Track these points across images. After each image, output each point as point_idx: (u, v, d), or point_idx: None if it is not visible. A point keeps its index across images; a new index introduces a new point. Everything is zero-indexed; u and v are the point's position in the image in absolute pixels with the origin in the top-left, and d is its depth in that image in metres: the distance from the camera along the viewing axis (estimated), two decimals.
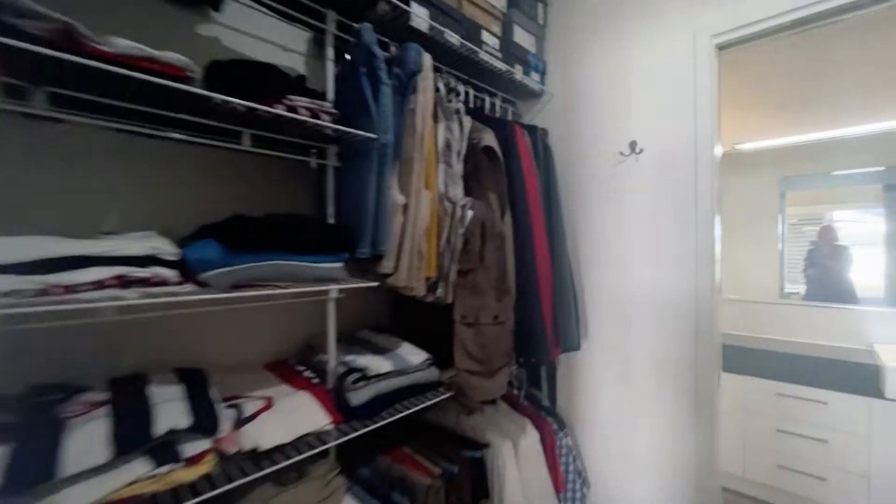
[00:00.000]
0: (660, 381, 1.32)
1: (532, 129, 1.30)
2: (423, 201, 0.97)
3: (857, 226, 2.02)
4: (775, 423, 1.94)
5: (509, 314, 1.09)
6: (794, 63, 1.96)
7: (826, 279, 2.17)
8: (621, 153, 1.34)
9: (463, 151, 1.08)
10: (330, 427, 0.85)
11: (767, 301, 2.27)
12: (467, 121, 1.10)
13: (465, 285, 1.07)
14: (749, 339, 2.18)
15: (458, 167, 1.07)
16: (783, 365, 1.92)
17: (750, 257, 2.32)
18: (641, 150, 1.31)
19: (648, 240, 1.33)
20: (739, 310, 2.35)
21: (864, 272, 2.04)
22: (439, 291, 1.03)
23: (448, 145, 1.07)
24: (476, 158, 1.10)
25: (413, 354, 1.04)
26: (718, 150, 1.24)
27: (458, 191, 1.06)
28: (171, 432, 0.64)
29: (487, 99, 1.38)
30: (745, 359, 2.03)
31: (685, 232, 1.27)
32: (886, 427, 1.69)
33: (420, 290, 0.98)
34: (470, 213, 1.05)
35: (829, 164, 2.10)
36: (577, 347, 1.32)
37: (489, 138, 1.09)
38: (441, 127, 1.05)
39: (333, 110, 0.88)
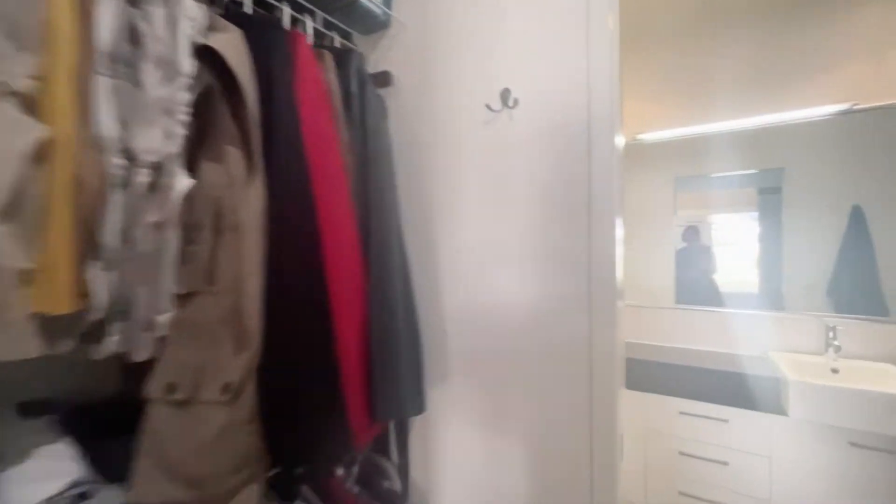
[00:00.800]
0: (545, 413, 0.96)
1: (343, 55, 0.81)
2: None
3: (735, 228, 1.92)
4: (677, 445, 1.72)
5: (251, 382, 0.58)
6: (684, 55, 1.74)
7: (695, 281, 2.02)
8: (489, 107, 0.92)
9: (183, 66, 0.56)
10: None
11: (663, 306, 2.08)
12: (191, 5, 0.57)
13: (180, 324, 0.55)
14: (650, 350, 1.96)
15: (161, 92, 0.54)
16: (685, 379, 1.71)
17: (645, 260, 2.12)
18: (516, 103, 0.90)
19: (526, 232, 0.94)
20: (634, 317, 2.14)
21: (742, 275, 1.91)
22: (109, 341, 0.50)
23: (132, 40, 0.53)
24: (205, 83, 0.59)
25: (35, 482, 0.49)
26: (618, 113, 0.88)
27: (151, 136, 0.53)
28: None
29: (309, 23, 0.87)
30: (643, 373, 1.79)
31: (576, 220, 0.89)
32: (788, 447, 1.52)
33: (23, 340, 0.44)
34: (184, 184, 0.53)
35: (710, 166, 1.95)
36: (419, 410, 0.88)
37: (226, 43, 0.58)
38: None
39: None
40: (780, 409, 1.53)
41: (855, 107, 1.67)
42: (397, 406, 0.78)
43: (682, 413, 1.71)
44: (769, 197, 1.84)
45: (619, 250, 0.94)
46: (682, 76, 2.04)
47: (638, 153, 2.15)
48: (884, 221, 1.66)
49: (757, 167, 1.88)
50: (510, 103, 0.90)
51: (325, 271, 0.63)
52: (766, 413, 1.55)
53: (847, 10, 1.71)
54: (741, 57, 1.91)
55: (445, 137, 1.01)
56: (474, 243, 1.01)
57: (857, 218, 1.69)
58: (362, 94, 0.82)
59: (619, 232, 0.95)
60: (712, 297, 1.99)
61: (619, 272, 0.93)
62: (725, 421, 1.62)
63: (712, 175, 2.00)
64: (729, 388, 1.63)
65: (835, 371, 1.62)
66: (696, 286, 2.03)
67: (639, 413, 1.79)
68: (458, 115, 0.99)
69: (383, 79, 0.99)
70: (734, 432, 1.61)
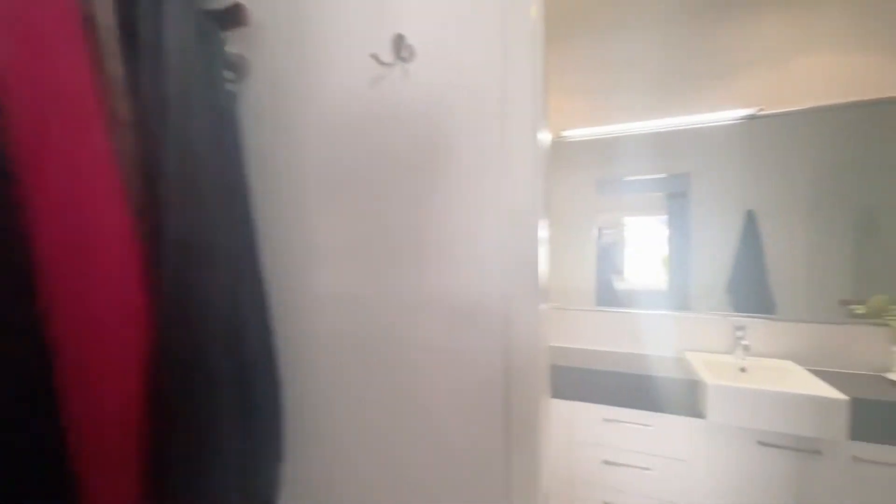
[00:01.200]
0: (456, 436, 0.80)
1: None
2: None
3: (649, 231, 1.94)
4: (602, 454, 1.67)
5: None
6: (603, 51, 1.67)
7: (614, 284, 2.03)
8: (377, 59, 0.71)
9: None
10: None
11: (585, 308, 2.04)
12: None
13: None
14: (573, 355, 1.90)
15: None
16: (608, 384, 1.66)
17: (566, 261, 2.07)
18: (412, 54, 0.70)
19: (426, 222, 0.76)
20: (556, 320, 2.08)
21: (657, 277, 1.93)
22: None
23: None
24: None
25: None
26: (541, 86, 0.72)
27: None
28: None
29: None
30: (567, 380, 1.71)
31: (485, 216, 0.73)
32: (704, 450, 1.53)
33: None
34: None
35: (626, 169, 1.95)
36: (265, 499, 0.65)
37: None
38: None
39: None
40: (697, 412, 1.53)
41: (760, 112, 1.72)
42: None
43: (606, 420, 1.66)
44: (677, 201, 1.87)
45: (543, 251, 0.80)
46: (601, 73, 2.00)
47: (560, 152, 2.08)
48: (773, 225, 1.73)
49: (666, 172, 1.90)
50: (404, 54, 0.70)
51: (36, 302, 0.36)
52: (685, 417, 1.55)
53: (755, 18, 1.76)
54: (654, 59, 1.91)
55: (315, 104, 0.78)
56: (353, 236, 0.81)
57: (751, 221, 1.75)
58: (158, 21, 0.53)
59: (543, 232, 0.80)
60: (630, 299, 1.99)
61: (543, 274, 0.79)
62: (649, 426, 1.60)
63: (628, 178, 1.99)
64: (651, 392, 1.60)
65: (743, 370, 1.66)
66: (615, 288, 2.02)
67: (564, 423, 1.72)
68: (334, 71, 0.76)
69: (233, 15, 0.72)
70: (657, 437, 1.59)
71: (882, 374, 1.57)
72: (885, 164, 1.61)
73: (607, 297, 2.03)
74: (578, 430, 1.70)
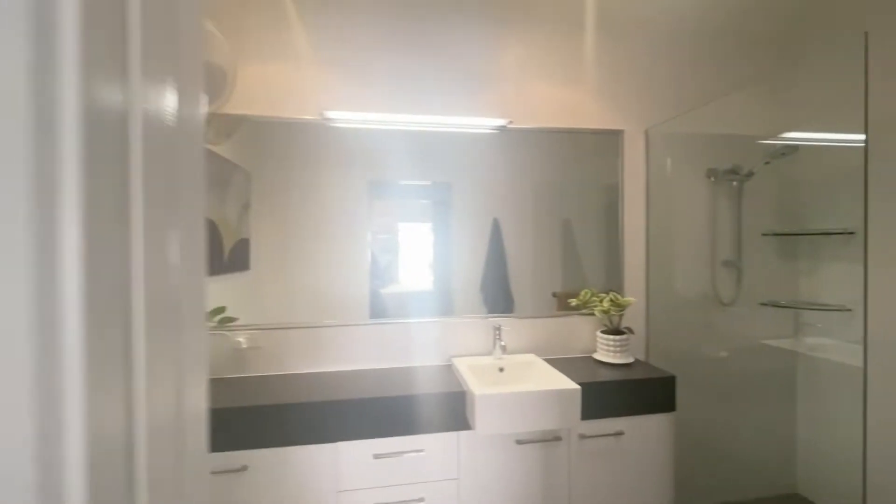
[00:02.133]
0: None
1: None
2: None
3: (416, 238, 1.86)
4: (373, 498, 1.42)
5: None
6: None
7: (388, 294, 1.88)
8: None
9: None
10: None
11: (358, 323, 1.78)
12: None
13: None
14: (345, 382, 1.58)
15: None
16: (379, 411, 1.42)
17: (338, 272, 1.77)
18: None
19: None
20: (328, 339, 1.75)
21: (426, 284, 1.87)
22: None
23: None
24: None
25: None
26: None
27: None
28: None
29: None
30: (335, 415, 1.39)
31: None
32: (476, 462, 1.47)
33: None
34: None
35: (397, 172, 1.81)
36: None
37: None
38: None
39: None
40: (466, 424, 1.46)
41: (510, 124, 1.84)
42: None
43: (376, 457, 1.41)
44: (441, 209, 1.84)
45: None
46: (361, 54, 1.77)
47: (328, 139, 1.74)
48: (511, 232, 1.91)
49: (431, 180, 1.85)
50: None
51: None
52: (455, 432, 1.46)
53: (498, 36, 1.88)
54: (405, 53, 1.81)
55: None
56: None
57: (496, 229, 1.88)
58: None
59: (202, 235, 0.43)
60: (403, 308, 1.84)
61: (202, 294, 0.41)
62: (421, 451, 1.44)
63: (402, 182, 1.84)
64: (423, 411, 1.45)
65: (501, 370, 1.73)
66: (388, 298, 1.83)
67: (326, 472, 1.38)
68: None
69: None
70: (430, 461, 1.44)
71: (590, 355, 1.92)
72: (577, 182, 1.96)
73: (381, 308, 1.81)
74: (345, 476, 1.39)
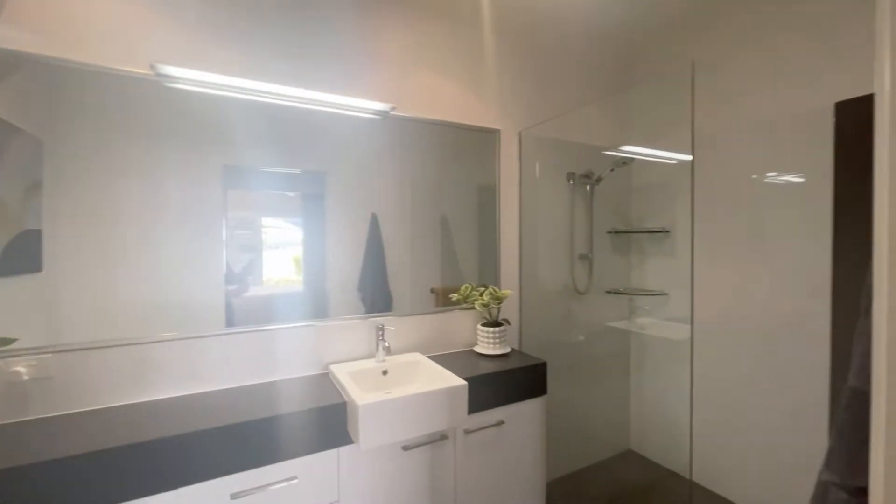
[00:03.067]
0: None
1: None
2: None
3: (283, 234, 1.62)
4: None
5: None
6: None
7: (251, 298, 1.58)
8: None
9: None
10: None
11: (210, 334, 1.45)
12: None
13: None
14: (195, 408, 1.26)
15: None
16: (237, 440, 1.17)
17: (184, 274, 1.41)
18: None
19: None
20: (176, 353, 1.38)
21: (297, 285, 1.65)
22: None
23: None
24: None
25: None
26: None
27: None
28: None
29: None
30: (170, 458, 1.09)
31: None
32: (358, 478, 1.33)
33: None
34: None
35: (258, 158, 1.55)
36: None
37: None
38: None
39: None
40: (347, 438, 1.31)
41: (393, 110, 1.74)
42: None
43: (234, 496, 1.16)
44: (314, 202, 1.64)
45: None
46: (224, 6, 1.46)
47: (166, 109, 1.36)
48: (390, 228, 1.81)
49: (302, 168, 1.62)
50: None
51: None
52: (335, 449, 1.30)
53: (383, 16, 1.76)
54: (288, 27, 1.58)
55: None
56: None
57: (375, 224, 1.77)
58: None
59: None
60: (270, 313, 1.57)
61: None
62: (293, 479, 1.23)
63: (265, 169, 1.56)
64: (295, 431, 1.25)
65: (385, 373, 1.61)
66: (250, 303, 1.54)
67: None
68: None
69: None
70: (303, 489, 1.25)
71: (471, 349, 1.95)
72: (455, 179, 1.98)
73: (241, 314, 1.51)
74: None
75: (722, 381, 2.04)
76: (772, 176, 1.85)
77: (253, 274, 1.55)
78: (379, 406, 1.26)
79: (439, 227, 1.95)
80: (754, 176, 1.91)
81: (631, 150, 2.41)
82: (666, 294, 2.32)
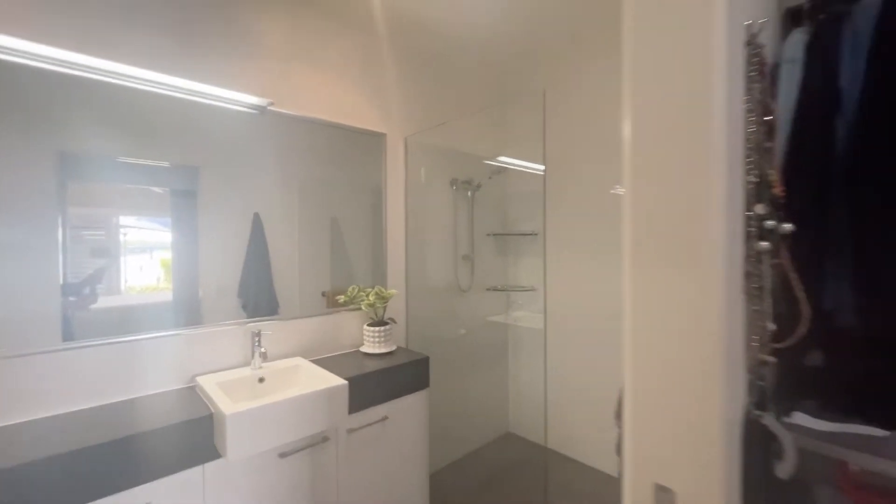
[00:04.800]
0: None
1: None
2: None
3: (148, 235, 1.45)
4: None
5: None
6: None
7: (84, 307, 1.36)
8: None
9: None
10: None
11: (40, 350, 1.22)
12: None
13: None
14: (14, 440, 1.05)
15: None
16: (66, 473, 1.01)
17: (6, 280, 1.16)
18: None
19: None
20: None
21: (160, 291, 1.48)
22: None
23: None
24: None
25: None
26: None
27: None
28: None
29: None
30: None
31: None
32: (221, 494, 1.25)
33: None
34: None
35: (114, 146, 1.36)
36: None
37: None
38: None
39: None
40: (213, 454, 1.23)
41: (271, 106, 1.66)
42: None
43: None
44: (185, 199, 1.50)
45: None
46: None
47: None
48: (275, 228, 1.75)
49: (171, 160, 1.47)
50: None
51: None
52: (198, 466, 1.21)
53: (262, 11, 1.68)
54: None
55: None
56: None
57: (258, 224, 1.70)
58: None
59: None
60: (124, 322, 1.38)
61: None
62: None
63: (121, 160, 1.37)
64: (149, 453, 1.13)
65: (262, 380, 1.54)
66: (100, 314, 1.33)
67: None
68: None
69: None
70: None
71: (358, 349, 1.96)
72: (346, 181, 2.00)
73: (90, 327, 1.30)
74: None
75: (574, 362, 2.40)
76: (616, 189, 2.23)
77: (106, 281, 1.34)
78: (248, 414, 1.21)
79: (330, 229, 1.92)
80: (602, 187, 2.28)
81: (505, 160, 2.68)
82: (535, 289, 2.63)
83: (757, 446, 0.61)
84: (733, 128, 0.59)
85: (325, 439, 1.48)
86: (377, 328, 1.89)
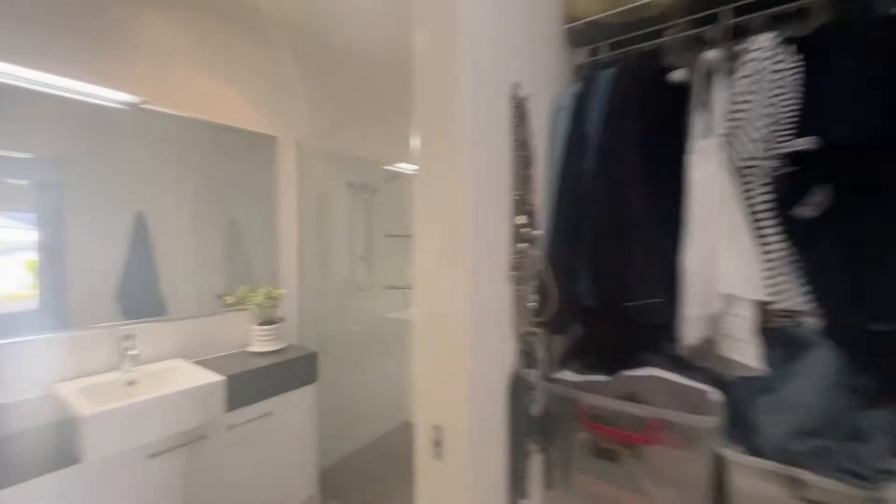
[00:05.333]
0: None
1: None
2: None
3: (9, 234, 1.35)
4: None
5: None
6: None
7: None
8: None
9: None
10: None
11: None
12: None
13: None
14: None
15: None
16: None
17: None
18: None
19: None
20: None
21: (19, 293, 1.41)
22: None
23: None
24: None
25: None
26: None
27: None
28: None
29: None
30: None
31: None
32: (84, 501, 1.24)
33: None
34: None
35: None
36: None
37: None
38: None
39: None
40: (71, 459, 1.21)
41: (144, 104, 1.64)
42: None
43: None
44: (50, 193, 1.43)
45: None
46: None
47: None
48: (163, 228, 1.73)
49: (34, 152, 1.39)
50: None
51: None
52: (50, 474, 1.18)
53: (139, 5, 1.64)
54: None
55: None
56: None
57: (141, 223, 1.67)
58: None
59: None
60: None
61: None
62: None
63: None
64: None
65: (132, 383, 1.52)
66: None
67: None
68: None
69: None
70: None
71: (245, 349, 1.99)
72: (240, 182, 2.02)
73: None
74: None
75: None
76: None
77: None
78: (106, 415, 1.21)
79: (228, 230, 1.92)
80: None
81: (405, 166, 2.85)
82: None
83: (520, 392, 0.84)
84: (497, 161, 0.81)
85: (202, 437, 1.50)
86: (266, 327, 1.94)
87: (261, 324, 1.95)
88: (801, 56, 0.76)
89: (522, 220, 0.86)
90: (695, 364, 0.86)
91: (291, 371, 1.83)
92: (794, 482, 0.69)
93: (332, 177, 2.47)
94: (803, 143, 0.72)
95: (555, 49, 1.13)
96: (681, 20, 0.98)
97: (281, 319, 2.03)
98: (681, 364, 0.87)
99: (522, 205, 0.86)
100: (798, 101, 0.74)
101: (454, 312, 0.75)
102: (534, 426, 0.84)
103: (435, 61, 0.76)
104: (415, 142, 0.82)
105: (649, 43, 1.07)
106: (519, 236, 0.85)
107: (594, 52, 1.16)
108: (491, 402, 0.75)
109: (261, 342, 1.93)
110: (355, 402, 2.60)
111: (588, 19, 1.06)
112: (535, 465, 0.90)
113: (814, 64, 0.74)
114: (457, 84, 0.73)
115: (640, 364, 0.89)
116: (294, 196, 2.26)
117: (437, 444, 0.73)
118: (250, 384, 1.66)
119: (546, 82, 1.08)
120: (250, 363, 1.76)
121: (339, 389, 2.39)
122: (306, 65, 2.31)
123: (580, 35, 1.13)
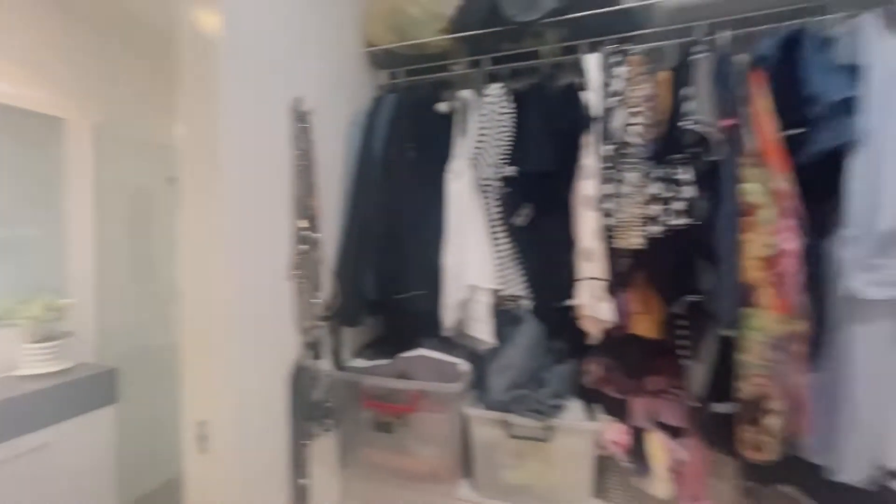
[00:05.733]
0: None
1: None
2: None
3: None
4: None
5: None
6: None
7: None
8: None
9: None
10: None
11: None
12: None
13: None
14: None
15: None
16: None
17: None
18: None
19: None
20: None
21: None
22: None
23: None
24: None
25: None
26: None
27: None
28: None
29: None
30: None
31: None
32: None
33: None
34: None
35: None
36: None
37: None
38: None
39: None
40: None
41: None
42: None
43: None
44: None
45: None
46: None
47: None
48: None
49: None
50: None
51: None
52: None
53: None
54: None
55: None
56: None
57: None
58: None
59: None
60: None
61: None
62: None
63: None
64: None
65: None
66: None
67: None
68: None
69: None
70: None
71: (11, 374, 1.64)
72: (10, 171, 1.67)
73: None
74: None
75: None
76: None
77: None
78: None
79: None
80: None
81: None
82: None
83: (303, 381, 0.92)
84: (275, 168, 0.88)
85: None
86: (43, 345, 1.63)
87: (35, 342, 1.63)
88: (516, 105, 1.04)
89: (304, 223, 0.94)
90: (458, 343, 1.06)
91: (78, 393, 1.59)
92: (506, 424, 0.93)
93: (152, 171, 2.20)
94: (511, 171, 0.98)
95: (360, 69, 1.25)
96: (456, 61, 1.20)
97: (67, 335, 1.73)
98: (448, 344, 1.07)
99: (305, 209, 0.94)
100: (511, 137, 1.01)
101: (219, 310, 0.78)
102: (318, 412, 0.92)
103: (197, 66, 0.79)
104: (181, 140, 0.83)
105: (437, 75, 1.27)
106: (300, 238, 0.92)
107: (394, 76, 1.32)
108: (268, 392, 0.81)
109: (35, 363, 1.62)
110: (172, 425, 2.34)
111: (383, 47, 1.21)
112: (326, 448, 0.98)
113: (521, 112, 1.03)
114: (217, 90, 0.77)
115: (416, 347, 1.06)
116: (90, 189, 1.95)
117: (203, 438, 0.75)
118: (13, 415, 1.39)
119: (349, 99, 1.19)
120: (15, 389, 1.47)
121: (152, 410, 2.13)
122: (107, 38, 2.02)
123: (380, 59, 1.28)
